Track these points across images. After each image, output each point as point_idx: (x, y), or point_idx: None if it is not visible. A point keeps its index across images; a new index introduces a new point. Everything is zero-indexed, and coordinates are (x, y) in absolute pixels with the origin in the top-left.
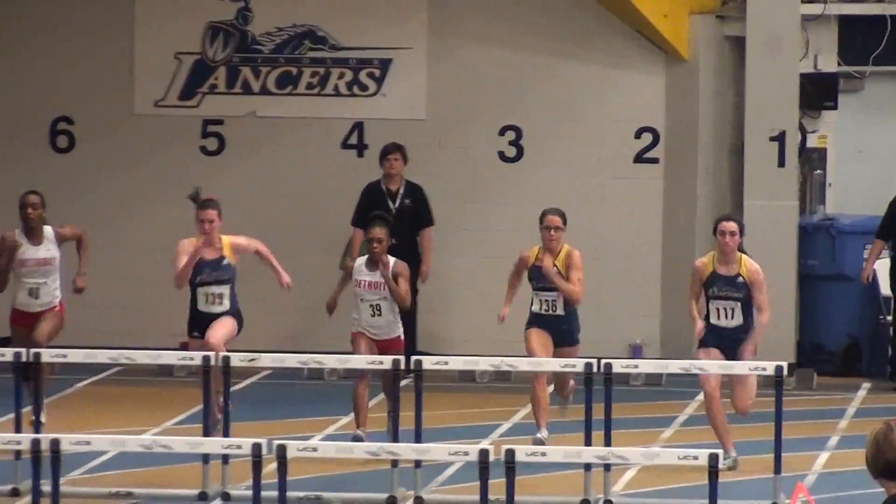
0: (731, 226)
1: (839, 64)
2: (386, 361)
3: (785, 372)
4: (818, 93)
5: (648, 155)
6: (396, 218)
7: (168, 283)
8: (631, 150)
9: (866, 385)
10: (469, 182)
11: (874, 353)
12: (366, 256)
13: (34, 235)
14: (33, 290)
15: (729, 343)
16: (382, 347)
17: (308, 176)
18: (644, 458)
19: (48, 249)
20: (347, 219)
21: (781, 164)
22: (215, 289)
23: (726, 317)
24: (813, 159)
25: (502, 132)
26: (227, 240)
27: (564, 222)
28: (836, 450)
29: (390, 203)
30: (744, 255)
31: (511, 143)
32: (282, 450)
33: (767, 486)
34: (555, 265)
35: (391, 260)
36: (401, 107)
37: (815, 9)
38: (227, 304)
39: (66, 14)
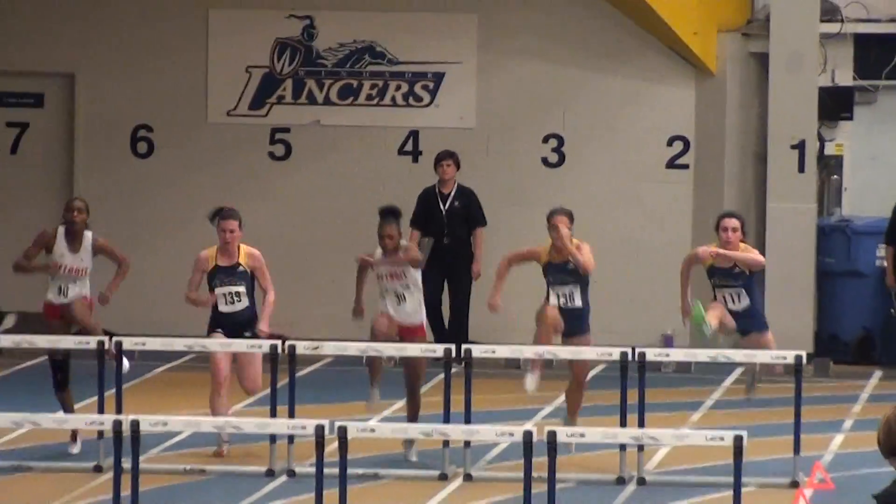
0: (734, 222)
1: (854, 78)
2: (438, 350)
3: (804, 361)
4: (835, 104)
5: (679, 161)
6: (448, 219)
7: None
8: (663, 156)
9: (879, 373)
10: (514, 186)
11: (886, 343)
12: (379, 250)
13: (74, 240)
14: (62, 288)
15: (741, 322)
16: (404, 333)
17: (367, 180)
18: (674, 439)
19: (82, 259)
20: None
21: (801, 170)
22: (232, 288)
23: (734, 301)
24: (830, 165)
25: (545, 140)
26: (245, 248)
27: (572, 221)
28: (850, 432)
29: (442, 205)
30: (746, 245)
31: (553, 149)
32: (342, 430)
33: (788, 465)
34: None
35: (403, 242)
36: (452, 116)
37: (833, 27)
38: (245, 302)
39: (146, 33)
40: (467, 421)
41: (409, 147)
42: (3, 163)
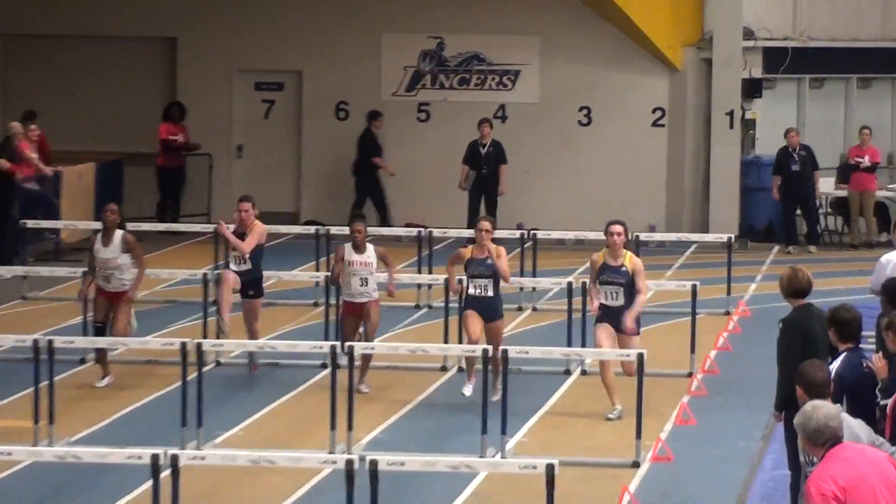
0: (619, 228)
1: (762, 73)
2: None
3: (733, 240)
4: (751, 89)
5: (659, 122)
6: (485, 159)
7: None
8: (649, 119)
9: (776, 248)
10: (561, 137)
11: (780, 230)
12: (350, 244)
13: (107, 237)
14: (106, 277)
15: (615, 318)
16: (360, 309)
17: (475, 134)
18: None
19: (113, 252)
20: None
21: (731, 127)
22: (237, 253)
23: (613, 298)
24: (748, 125)
25: (580, 109)
26: (255, 224)
27: (494, 227)
28: (760, 282)
29: (481, 151)
30: (628, 252)
31: (584, 115)
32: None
33: (723, 301)
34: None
35: (370, 247)
36: (524, 95)
37: (749, 43)
38: (248, 265)
39: (346, 44)
40: None
41: (499, 114)
42: (260, 124)
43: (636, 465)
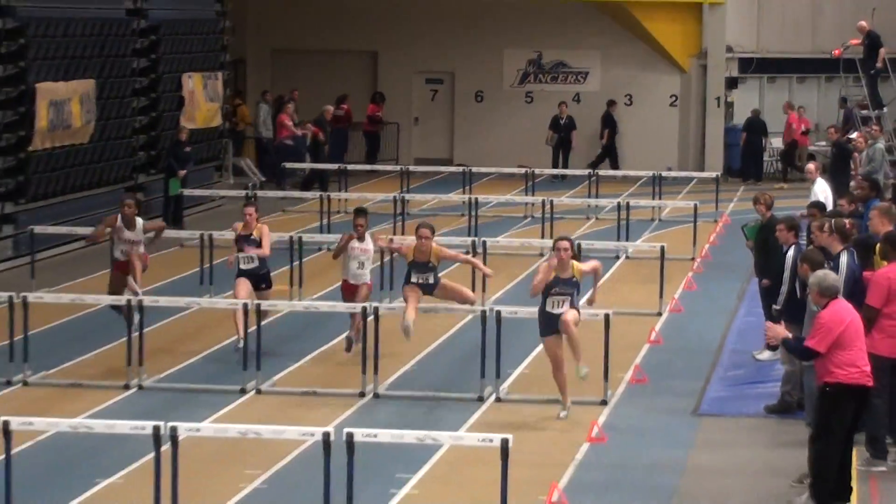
0: (566, 244)
1: (738, 73)
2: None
3: (719, 175)
4: (731, 83)
5: (674, 104)
6: (563, 127)
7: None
8: (667, 101)
9: (746, 182)
10: (620, 113)
11: (744, 169)
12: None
13: (129, 223)
14: (124, 251)
15: (556, 324)
16: (355, 289)
17: (554, 115)
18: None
19: (137, 235)
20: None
21: (718, 106)
22: (247, 254)
23: (559, 306)
24: (729, 106)
25: (625, 96)
26: (260, 226)
27: (433, 233)
28: (737, 203)
29: (560, 121)
30: (574, 262)
31: (628, 99)
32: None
33: (713, 213)
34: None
35: (368, 237)
36: (591, 87)
37: (730, 54)
38: (256, 263)
39: (479, 52)
40: None
41: (575, 99)
42: (428, 104)
43: (659, 314)
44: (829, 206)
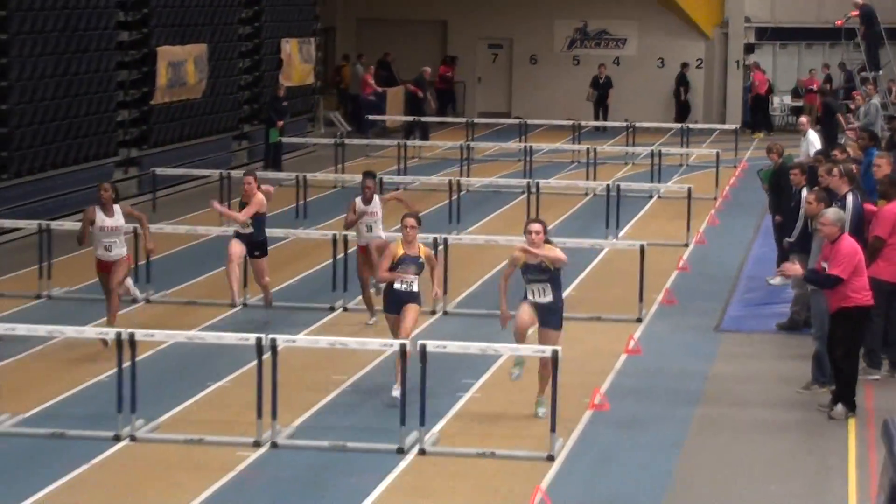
0: (537, 227)
1: (754, 40)
2: None
3: (738, 126)
4: (748, 48)
5: (700, 66)
6: (602, 85)
7: None
8: (695, 64)
9: (763, 132)
10: (648, 75)
11: (757, 122)
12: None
13: (108, 210)
14: (107, 246)
15: (542, 314)
16: (365, 250)
17: (594, 75)
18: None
19: (117, 220)
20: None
21: (738, 69)
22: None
23: (541, 294)
24: (747, 68)
25: (658, 59)
26: (257, 193)
27: (419, 224)
28: (753, 151)
29: (599, 80)
30: (548, 245)
31: (659, 62)
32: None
33: (733, 160)
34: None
35: (376, 198)
36: (629, 52)
37: (749, 25)
38: (251, 229)
39: (541, 24)
40: None
41: (615, 62)
42: (489, 66)
43: (686, 245)
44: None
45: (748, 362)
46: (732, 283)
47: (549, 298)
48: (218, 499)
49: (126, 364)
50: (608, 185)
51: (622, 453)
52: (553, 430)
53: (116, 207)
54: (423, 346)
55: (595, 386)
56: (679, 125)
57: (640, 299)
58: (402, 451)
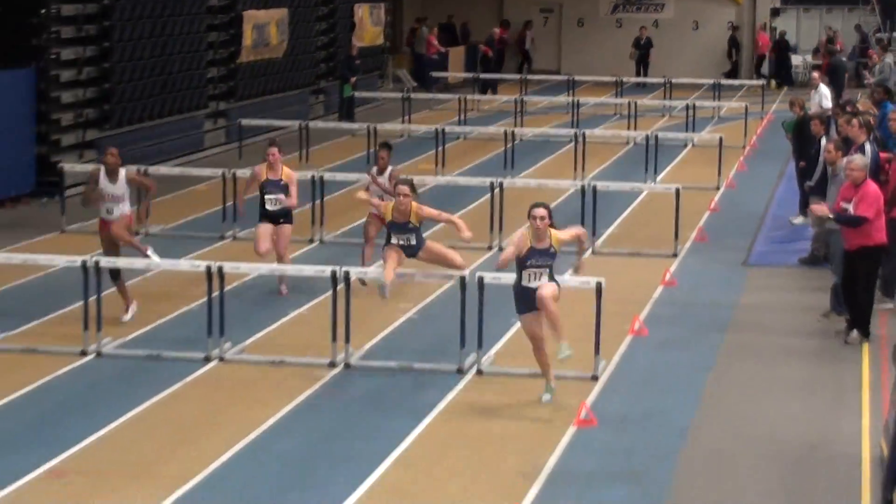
0: (541, 211)
1: (780, 5)
2: None
3: (765, 82)
4: (774, 13)
5: (730, 27)
6: (643, 46)
7: None
8: (726, 27)
9: (785, 88)
10: (685, 37)
11: (785, 78)
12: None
13: (112, 175)
14: (109, 209)
15: (532, 300)
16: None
17: (636, 37)
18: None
19: (120, 188)
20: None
21: (763, 31)
22: (273, 196)
23: (536, 279)
24: (773, 29)
25: (693, 21)
26: (286, 169)
27: (414, 191)
28: (779, 105)
29: (640, 41)
30: (552, 230)
31: (695, 24)
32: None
33: (759, 113)
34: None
35: (390, 168)
36: (667, 15)
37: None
38: (280, 206)
39: None
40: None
41: (654, 25)
42: (541, 29)
43: (717, 188)
44: (830, 105)
45: (773, 293)
46: (759, 223)
47: (543, 282)
48: (297, 413)
49: (215, 294)
50: (647, 135)
51: (658, 374)
52: (597, 352)
53: (121, 173)
54: (481, 278)
55: (634, 314)
56: (712, 81)
57: (676, 237)
58: (461, 372)
